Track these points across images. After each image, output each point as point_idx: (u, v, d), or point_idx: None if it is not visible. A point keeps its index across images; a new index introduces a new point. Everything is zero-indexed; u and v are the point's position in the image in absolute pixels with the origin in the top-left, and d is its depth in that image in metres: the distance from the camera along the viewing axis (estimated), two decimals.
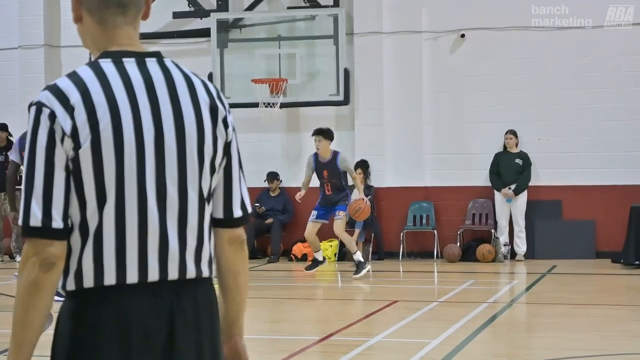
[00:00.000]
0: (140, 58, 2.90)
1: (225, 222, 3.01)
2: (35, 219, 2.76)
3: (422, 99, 17.58)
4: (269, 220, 17.36)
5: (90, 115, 2.76)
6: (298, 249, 17.33)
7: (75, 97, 2.77)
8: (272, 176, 17.71)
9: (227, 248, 3.03)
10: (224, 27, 17.95)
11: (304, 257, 17.03)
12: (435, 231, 17.41)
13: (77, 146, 2.76)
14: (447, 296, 12.89)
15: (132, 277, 2.82)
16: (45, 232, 2.76)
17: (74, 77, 2.83)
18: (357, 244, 16.90)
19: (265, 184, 17.77)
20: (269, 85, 17.22)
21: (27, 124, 2.80)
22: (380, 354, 8.90)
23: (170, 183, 2.86)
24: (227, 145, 2.98)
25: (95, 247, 2.80)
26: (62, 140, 2.76)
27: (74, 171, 2.77)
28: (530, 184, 16.97)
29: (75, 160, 2.76)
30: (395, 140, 17.61)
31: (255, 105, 17.02)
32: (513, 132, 17.06)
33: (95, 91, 2.79)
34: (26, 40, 19.02)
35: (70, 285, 2.83)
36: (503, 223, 17.07)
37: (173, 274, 2.86)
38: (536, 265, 16.25)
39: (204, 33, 18.01)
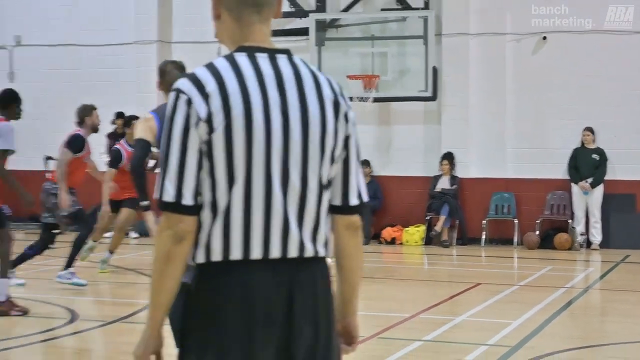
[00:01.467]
0: (272, 54, 2.93)
1: (343, 209, 3.03)
2: (168, 195, 2.81)
3: (505, 96, 17.56)
4: None
5: (224, 102, 2.80)
6: (387, 232, 17.65)
7: (211, 85, 2.82)
8: (364, 165, 17.99)
9: (343, 233, 3.05)
10: (322, 26, 17.99)
11: (392, 241, 17.39)
12: (516, 220, 17.40)
13: (211, 130, 2.79)
14: (527, 280, 12.86)
15: (256, 253, 2.85)
16: (177, 207, 2.81)
17: (210, 67, 2.87)
18: (442, 230, 17.16)
19: None
20: (363, 81, 17.28)
21: (167, 108, 2.85)
22: (465, 332, 8.96)
23: (294, 170, 2.88)
24: (347, 139, 3.00)
25: (224, 224, 2.84)
26: (196, 125, 2.79)
27: (207, 153, 2.81)
28: (606, 178, 16.88)
29: (209, 143, 2.80)
30: (479, 134, 17.64)
31: (350, 99, 16.76)
32: (590, 129, 17.01)
33: (230, 81, 2.83)
34: (141, 36, 19.18)
35: (200, 258, 2.87)
36: (580, 214, 17.02)
37: (293, 252, 2.89)
38: (610, 255, 16.08)
39: (304, 32, 18.09)
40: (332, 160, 2.96)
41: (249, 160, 2.82)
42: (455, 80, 17.66)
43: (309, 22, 18.00)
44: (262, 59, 2.90)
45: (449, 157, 17.56)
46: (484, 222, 17.55)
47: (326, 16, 18.25)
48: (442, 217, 17.18)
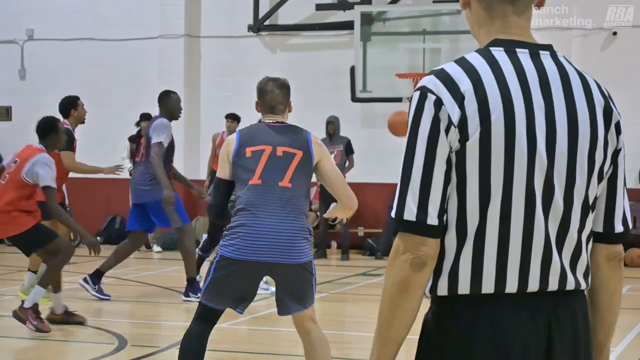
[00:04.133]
0: (534, 50, 2.58)
1: (605, 236, 2.69)
2: (410, 213, 2.49)
3: None
4: None
5: (481, 105, 2.47)
6: None
7: (465, 84, 2.48)
8: None
9: (603, 265, 2.70)
10: (368, 20, 17.50)
11: None
12: None
13: (464, 138, 2.47)
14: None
15: (511, 285, 2.52)
16: (419, 228, 2.49)
17: (463, 63, 2.55)
18: None
19: None
20: (413, 80, 16.37)
21: (408, 110, 2.55)
22: None
23: (558, 187, 2.54)
24: (616, 153, 2.66)
25: (475, 249, 2.52)
26: (447, 130, 2.47)
27: (457, 165, 2.49)
28: None
29: (460, 153, 2.48)
30: None
31: (399, 100, 16.18)
32: None
33: (488, 80, 2.50)
34: (166, 30, 18.83)
35: (442, 290, 2.56)
36: None
37: (553, 284, 2.55)
38: None
39: (346, 26, 17.64)
40: (600, 177, 2.65)
41: (508, 174, 2.50)
42: None
43: (353, 15, 17.39)
44: (523, 56, 2.58)
45: None
46: None
47: (372, 8, 17.73)
48: None
